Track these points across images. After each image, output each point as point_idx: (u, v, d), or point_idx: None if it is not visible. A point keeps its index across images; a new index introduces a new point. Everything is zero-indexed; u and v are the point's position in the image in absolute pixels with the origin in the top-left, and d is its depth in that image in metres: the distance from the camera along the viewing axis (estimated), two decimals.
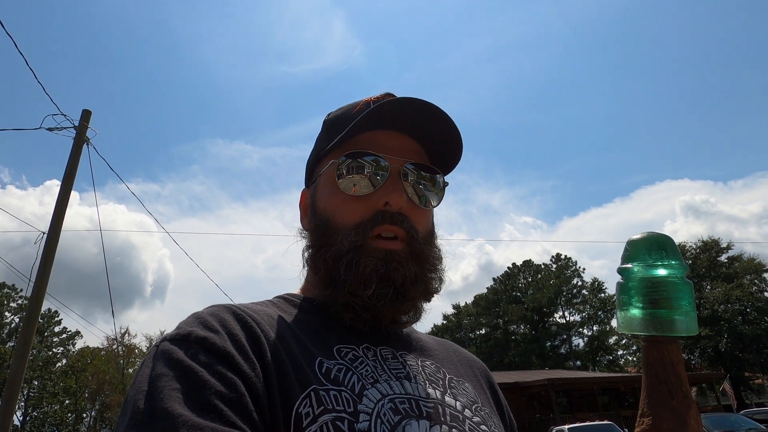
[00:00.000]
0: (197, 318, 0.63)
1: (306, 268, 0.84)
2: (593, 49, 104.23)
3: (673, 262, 0.59)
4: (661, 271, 0.58)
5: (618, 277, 0.63)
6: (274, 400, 0.57)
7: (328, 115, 0.88)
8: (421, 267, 0.75)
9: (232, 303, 0.69)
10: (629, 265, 0.60)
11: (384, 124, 0.77)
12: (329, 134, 0.83)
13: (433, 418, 0.64)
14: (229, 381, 0.55)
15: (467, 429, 0.66)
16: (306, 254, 0.82)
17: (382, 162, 0.76)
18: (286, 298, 0.80)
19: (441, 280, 0.79)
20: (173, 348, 0.58)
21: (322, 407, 0.58)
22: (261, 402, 0.56)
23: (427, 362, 0.78)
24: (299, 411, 0.57)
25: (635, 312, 0.59)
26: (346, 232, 0.73)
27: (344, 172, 0.76)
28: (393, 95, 0.82)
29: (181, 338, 0.59)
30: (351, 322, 0.73)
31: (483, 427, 0.70)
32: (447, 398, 0.70)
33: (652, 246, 0.60)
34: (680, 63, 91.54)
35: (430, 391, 0.70)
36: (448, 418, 0.66)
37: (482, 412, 0.74)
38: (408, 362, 0.74)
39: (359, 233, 0.72)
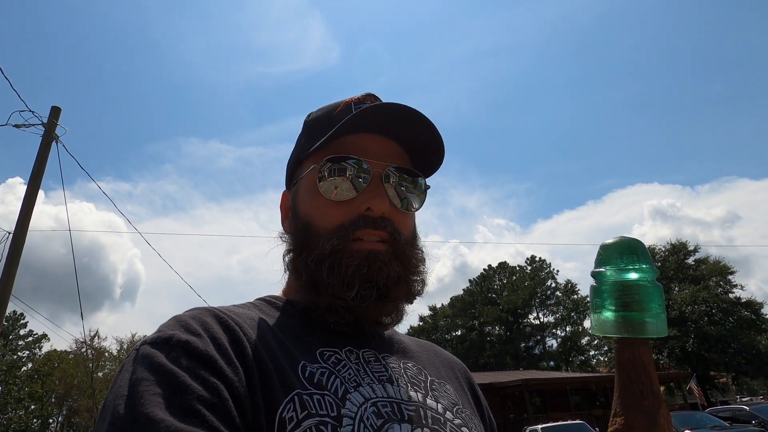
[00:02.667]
0: (178, 321, 0.62)
1: (287, 272, 0.83)
2: (569, 54, 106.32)
3: (644, 266, 0.60)
4: (633, 275, 0.60)
5: (592, 281, 0.64)
6: (257, 404, 0.56)
7: (309, 115, 0.87)
8: (404, 267, 0.74)
9: (214, 306, 0.68)
10: (602, 269, 0.62)
11: (366, 127, 0.77)
12: (310, 136, 0.82)
13: (414, 422, 0.64)
14: (212, 385, 0.54)
15: (448, 431, 0.67)
16: (287, 258, 0.81)
17: (364, 166, 0.75)
18: (268, 301, 0.79)
19: (423, 283, 0.79)
20: (154, 352, 0.57)
21: (306, 412, 0.57)
22: (244, 406, 0.55)
23: (409, 364, 0.78)
24: (283, 416, 0.56)
25: (608, 315, 0.60)
26: (328, 236, 0.72)
27: (326, 175, 0.75)
28: (374, 95, 0.82)
29: (162, 342, 0.58)
30: (335, 325, 0.72)
31: (464, 429, 0.70)
32: (429, 401, 0.71)
33: (623, 250, 0.61)
34: (653, 71, 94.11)
35: (412, 393, 0.70)
36: (429, 420, 0.66)
37: (463, 414, 0.74)
38: (390, 365, 0.74)
39: (341, 237, 0.72)
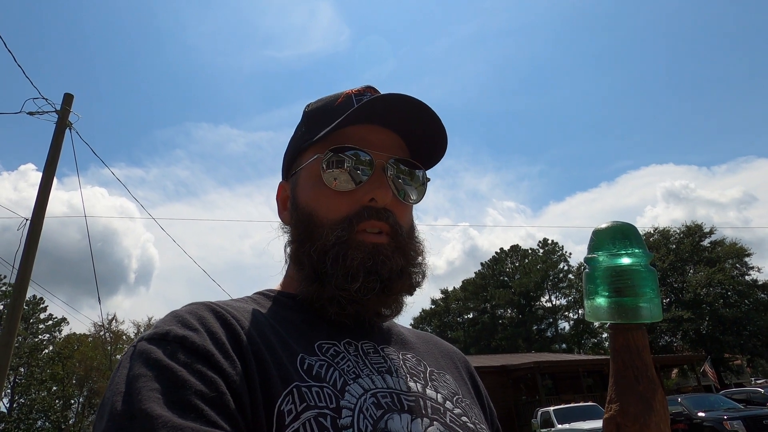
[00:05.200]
0: (175, 316, 0.62)
1: (287, 263, 0.83)
2: (582, 34, 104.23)
3: (636, 251, 0.59)
4: (625, 260, 0.59)
5: (585, 267, 0.63)
6: (255, 398, 0.56)
7: (308, 106, 0.86)
8: (405, 260, 0.75)
9: (211, 300, 0.68)
10: (594, 255, 0.61)
11: (369, 119, 0.76)
12: (311, 127, 0.81)
13: (414, 412, 0.64)
14: (210, 380, 0.53)
15: (448, 421, 0.67)
16: (288, 249, 0.80)
17: (367, 157, 0.75)
18: (265, 294, 0.79)
19: (423, 274, 0.79)
20: (151, 347, 0.56)
21: (305, 404, 0.57)
22: (242, 400, 0.55)
23: (408, 355, 0.78)
24: (282, 408, 0.56)
25: (601, 301, 0.59)
26: (332, 227, 0.72)
27: (329, 166, 0.74)
28: (373, 88, 0.82)
29: (159, 337, 0.58)
30: (336, 316, 0.72)
31: (464, 418, 0.70)
32: (428, 391, 0.71)
33: (615, 235, 0.60)
34: (669, 49, 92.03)
35: (412, 384, 0.70)
36: (429, 411, 0.66)
37: (463, 404, 0.74)
38: (389, 356, 0.74)
39: (345, 228, 0.72)
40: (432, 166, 0.84)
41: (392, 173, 0.77)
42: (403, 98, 0.73)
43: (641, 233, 0.62)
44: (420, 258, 0.79)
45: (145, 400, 0.50)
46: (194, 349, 0.56)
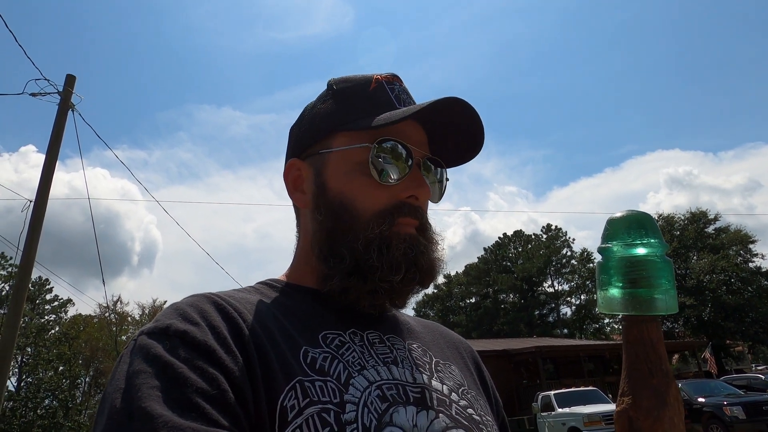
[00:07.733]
0: (176, 310, 0.60)
1: (300, 250, 0.80)
2: (587, 16, 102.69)
3: (652, 241, 0.57)
4: (641, 250, 0.57)
5: (599, 257, 0.61)
6: (258, 394, 0.55)
7: (335, 84, 0.81)
8: (434, 254, 0.76)
9: (213, 292, 0.67)
10: (609, 245, 0.59)
11: (415, 117, 0.75)
12: (344, 109, 0.77)
13: (420, 404, 0.63)
14: (211, 376, 0.52)
15: (454, 413, 0.66)
16: (311, 237, 0.76)
17: (408, 153, 0.74)
18: (269, 284, 0.77)
19: (442, 268, 0.79)
20: (151, 342, 0.55)
21: (308, 399, 0.56)
22: (245, 397, 0.54)
23: (414, 345, 0.77)
24: (284, 404, 0.55)
25: (615, 292, 0.58)
26: (373, 218, 0.71)
27: (375, 157, 0.72)
28: (397, 76, 0.82)
29: (159, 332, 0.56)
30: (368, 308, 0.72)
31: (469, 410, 0.69)
32: (434, 382, 0.70)
33: (631, 225, 0.58)
34: (678, 31, 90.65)
35: (417, 375, 0.69)
36: (435, 402, 0.65)
37: (469, 395, 0.73)
38: (395, 346, 0.73)
39: (386, 221, 0.70)
40: (452, 166, 0.86)
41: (424, 171, 0.77)
42: (459, 103, 0.73)
43: None
44: (440, 252, 0.79)
45: (144, 398, 0.49)
46: (195, 344, 0.55)
